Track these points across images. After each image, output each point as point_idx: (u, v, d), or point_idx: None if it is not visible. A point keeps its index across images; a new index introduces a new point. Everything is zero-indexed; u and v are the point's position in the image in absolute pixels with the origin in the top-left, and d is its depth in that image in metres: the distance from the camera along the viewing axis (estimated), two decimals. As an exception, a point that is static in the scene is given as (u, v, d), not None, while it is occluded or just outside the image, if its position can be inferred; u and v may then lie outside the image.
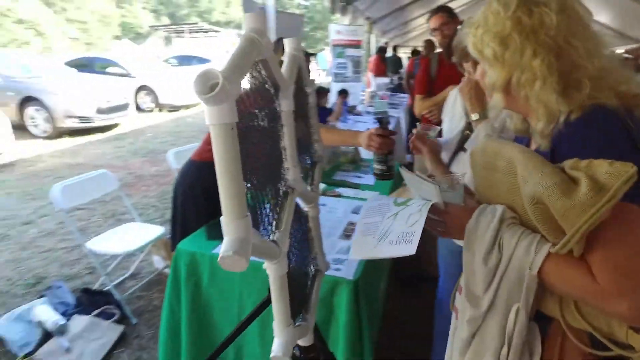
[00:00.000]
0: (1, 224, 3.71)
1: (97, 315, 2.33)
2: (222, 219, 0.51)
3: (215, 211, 1.85)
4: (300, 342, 0.87)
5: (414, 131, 1.57)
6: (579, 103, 0.70)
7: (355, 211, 2.02)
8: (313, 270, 0.99)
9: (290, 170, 0.76)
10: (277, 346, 0.72)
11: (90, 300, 2.45)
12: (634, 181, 0.58)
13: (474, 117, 1.39)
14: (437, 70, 2.37)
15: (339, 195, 2.23)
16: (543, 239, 0.69)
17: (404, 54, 15.02)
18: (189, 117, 9.35)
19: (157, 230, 2.55)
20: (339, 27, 6.93)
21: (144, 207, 4.18)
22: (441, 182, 0.84)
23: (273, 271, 0.67)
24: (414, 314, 2.47)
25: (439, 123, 1.74)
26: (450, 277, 1.74)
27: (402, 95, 7.40)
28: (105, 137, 7.21)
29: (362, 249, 0.86)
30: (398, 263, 2.94)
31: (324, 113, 4.97)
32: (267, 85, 0.64)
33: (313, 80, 1.05)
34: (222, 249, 0.49)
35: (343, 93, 5.45)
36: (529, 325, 0.71)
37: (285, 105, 0.72)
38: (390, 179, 1.57)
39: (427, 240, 2.70)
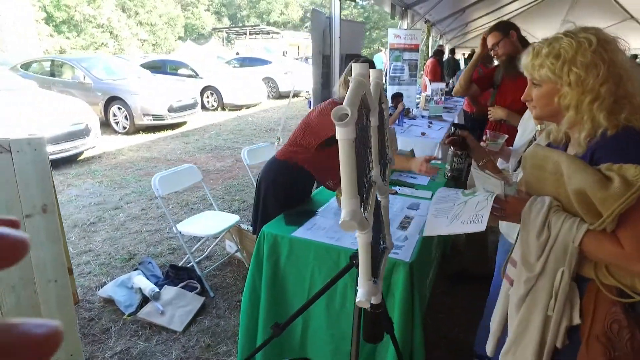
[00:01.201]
0: (98, 208, 4.30)
1: (183, 287, 2.74)
2: (342, 197, 0.78)
3: (290, 202, 2.19)
4: (372, 300, 1.13)
5: (484, 137, 1.82)
6: (615, 123, 0.93)
7: (411, 207, 2.26)
8: (382, 246, 1.25)
9: (374, 169, 1.03)
10: (361, 294, 0.98)
11: (176, 275, 2.87)
12: None
13: (539, 127, 1.61)
14: (500, 80, 2.53)
15: (395, 193, 2.47)
16: (582, 220, 0.93)
17: (462, 56, 14.80)
18: (250, 117, 9.90)
19: (233, 218, 2.93)
20: (397, 31, 7.08)
21: (213, 199, 4.64)
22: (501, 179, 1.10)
23: (363, 239, 0.93)
24: (459, 305, 2.66)
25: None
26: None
27: (457, 99, 7.43)
28: (174, 134, 7.88)
29: (436, 226, 1.07)
30: (447, 258, 3.13)
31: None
32: (363, 109, 0.92)
33: (387, 98, 1.33)
34: (342, 216, 0.76)
35: (398, 97, 5.64)
36: (570, 284, 0.96)
37: (373, 121, 1.00)
38: (459, 180, 1.55)
39: (476, 241, 2.88)
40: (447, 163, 1.54)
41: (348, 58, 4.91)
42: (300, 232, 1.91)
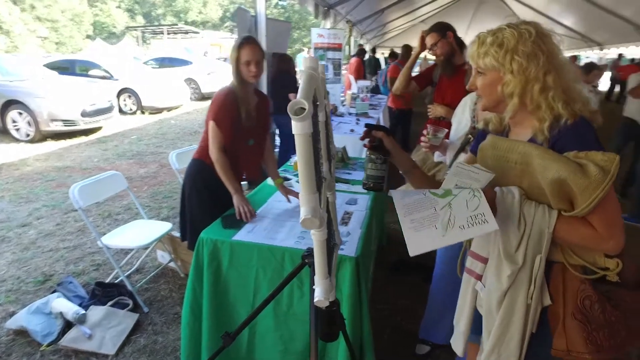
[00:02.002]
0: (0, 227, 3.80)
1: (113, 306, 2.52)
2: (300, 194, 0.76)
3: (217, 203, 2.10)
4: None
5: (424, 132, 1.86)
6: (572, 113, 1.00)
7: (349, 202, 2.30)
8: (332, 242, 1.25)
9: (324, 164, 1.01)
10: (319, 293, 0.97)
11: (104, 292, 2.63)
12: None
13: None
14: (438, 79, 2.63)
15: (334, 190, 2.50)
16: (549, 207, 0.98)
17: (382, 55, 15.44)
18: (172, 120, 9.43)
19: (164, 227, 2.75)
20: (321, 31, 7.17)
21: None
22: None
23: (319, 236, 0.91)
24: (400, 295, 2.76)
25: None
26: (446, 261, 2.01)
27: (380, 96, 7.73)
28: (89, 140, 7.24)
29: (425, 241, 0.92)
30: (384, 249, 3.24)
31: (310, 114, 5.23)
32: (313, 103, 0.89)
33: (327, 92, 1.31)
34: (303, 214, 0.74)
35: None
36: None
37: (322, 116, 0.98)
38: (379, 190, 1.30)
39: None
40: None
41: (275, 57, 4.87)
42: (241, 235, 1.84)
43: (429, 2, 11.82)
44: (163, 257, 3.04)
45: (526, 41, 1.00)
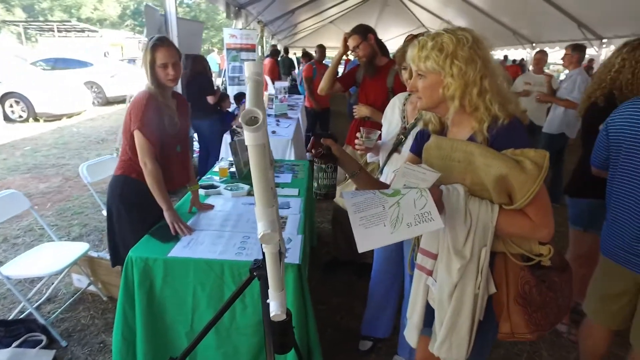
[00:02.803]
0: None
1: (20, 346, 2.22)
2: (256, 208, 0.73)
3: (148, 220, 1.96)
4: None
5: (358, 134, 1.88)
6: (507, 114, 1.08)
7: (282, 207, 2.28)
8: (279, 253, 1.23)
9: (269, 172, 0.99)
10: (275, 307, 0.94)
11: (8, 331, 2.29)
12: None
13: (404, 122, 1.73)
14: (362, 80, 2.69)
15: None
16: (490, 202, 1.05)
17: (294, 55, 15.57)
18: (74, 127, 8.53)
19: (80, 247, 2.48)
20: (233, 31, 7.01)
21: (44, 228, 3.87)
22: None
23: (272, 249, 0.89)
24: (336, 293, 2.81)
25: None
26: (384, 260, 2.07)
27: (297, 96, 7.79)
28: (-32, 155, 6.30)
29: (373, 238, 0.95)
30: (315, 250, 3.28)
31: (228, 118, 5.08)
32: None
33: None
34: (261, 229, 0.71)
35: (240, 97, 5.61)
36: None
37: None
38: (331, 197, 1.29)
39: (343, 231, 3.03)
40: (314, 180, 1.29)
41: (189, 59, 4.65)
42: (177, 251, 1.74)
43: (337, 4, 12.20)
44: (80, 280, 2.75)
45: (464, 46, 1.07)
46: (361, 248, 0.95)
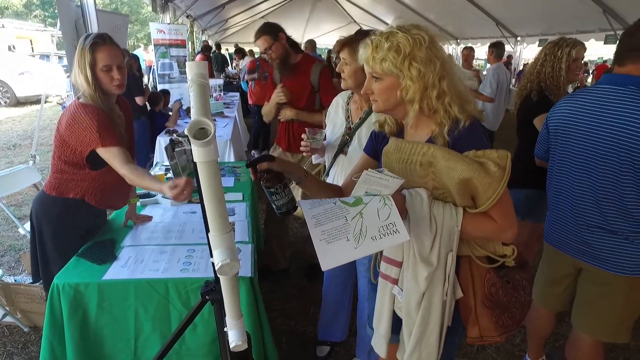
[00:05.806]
0: None
1: None
2: (211, 234, 0.62)
3: (86, 241, 1.73)
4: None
5: (303, 136, 1.79)
6: (467, 115, 1.05)
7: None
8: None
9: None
10: (235, 337, 0.84)
11: None
12: None
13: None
14: (280, 81, 2.54)
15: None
16: (454, 205, 1.02)
17: (226, 51, 15.09)
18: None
19: (-9, 274, 2.17)
20: (161, 26, 6.59)
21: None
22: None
23: (231, 274, 0.79)
24: (284, 300, 2.71)
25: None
26: (335, 269, 2.00)
27: (232, 94, 7.52)
28: None
29: (337, 254, 0.88)
30: (260, 253, 3.14)
31: (162, 119, 4.76)
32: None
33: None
34: (218, 258, 0.61)
35: (166, 94, 5.30)
36: None
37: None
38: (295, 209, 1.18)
39: (274, 238, 2.92)
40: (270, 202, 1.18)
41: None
42: (114, 273, 1.55)
43: (265, 0, 12.06)
44: (-7, 311, 2.40)
45: (421, 47, 1.03)
46: (325, 266, 0.87)
